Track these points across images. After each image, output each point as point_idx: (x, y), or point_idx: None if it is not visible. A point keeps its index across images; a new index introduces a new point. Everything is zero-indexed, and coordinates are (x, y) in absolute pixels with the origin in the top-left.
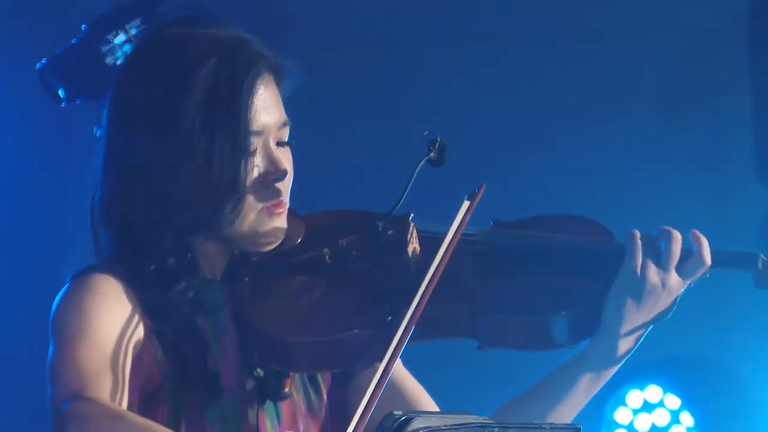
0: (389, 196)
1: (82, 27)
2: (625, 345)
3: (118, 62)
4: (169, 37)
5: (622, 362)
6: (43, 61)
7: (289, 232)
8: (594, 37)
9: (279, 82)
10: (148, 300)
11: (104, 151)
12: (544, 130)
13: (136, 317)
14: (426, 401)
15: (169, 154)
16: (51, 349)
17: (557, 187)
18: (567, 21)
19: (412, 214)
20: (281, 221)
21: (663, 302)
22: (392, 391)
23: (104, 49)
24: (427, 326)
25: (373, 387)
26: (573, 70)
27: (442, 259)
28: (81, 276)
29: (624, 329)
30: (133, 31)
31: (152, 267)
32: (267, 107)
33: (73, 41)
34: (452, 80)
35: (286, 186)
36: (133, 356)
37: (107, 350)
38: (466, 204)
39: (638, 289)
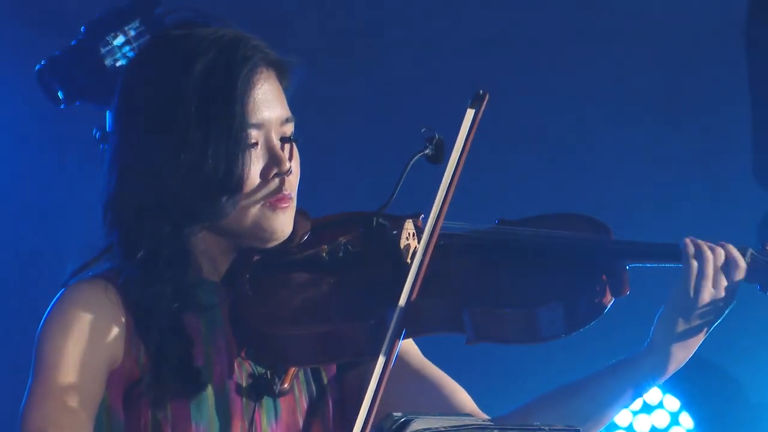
0: (403, 196)
1: (81, 29)
2: (677, 357)
3: (117, 64)
4: (170, 37)
5: (676, 369)
6: (42, 62)
7: (296, 231)
8: (592, 38)
9: (281, 78)
10: (134, 294)
11: (110, 150)
12: (543, 131)
13: (117, 330)
14: (453, 386)
15: (166, 146)
16: (30, 375)
17: (555, 188)
18: (565, 23)
19: (422, 215)
20: (285, 217)
21: (714, 314)
22: (424, 385)
23: (103, 50)
24: (413, 321)
25: (374, 387)
26: (570, 72)
27: (442, 205)
28: (70, 289)
29: (675, 346)
30: (131, 33)
31: (140, 255)
32: (267, 101)
33: (72, 43)
34: (451, 81)
35: (290, 182)
36: (108, 372)
37: (78, 386)
38: (470, 113)
39: (690, 309)
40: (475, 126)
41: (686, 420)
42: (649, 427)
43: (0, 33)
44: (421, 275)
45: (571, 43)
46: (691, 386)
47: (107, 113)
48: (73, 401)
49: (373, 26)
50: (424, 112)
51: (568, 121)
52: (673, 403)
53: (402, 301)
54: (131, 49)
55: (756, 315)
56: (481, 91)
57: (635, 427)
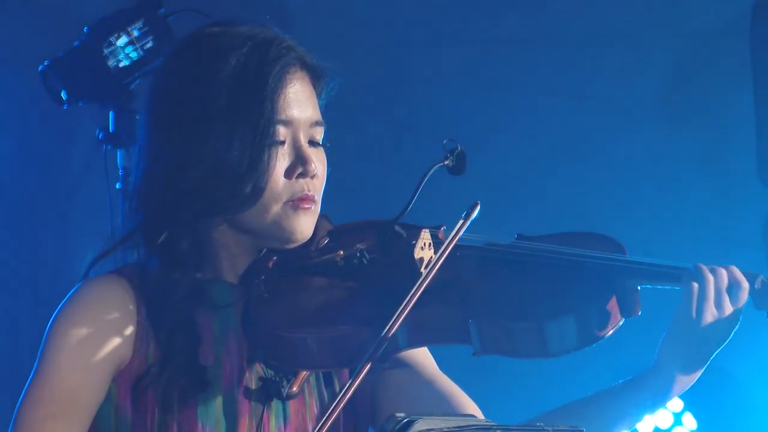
0: (427, 206)
1: (84, 29)
2: (681, 382)
3: (121, 64)
4: (207, 33)
5: (681, 392)
6: (46, 63)
7: (315, 235)
8: (596, 40)
9: (314, 81)
10: (150, 283)
11: (140, 138)
12: (546, 133)
13: (128, 328)
14: (463, 398)
15: (193, 135)
16: (33, 369)
17: (560, 190)
18: (570, 24)
19: (443, 227)
20: (306, 218)
21: (718, 337)
22: (427, 391)
23: (106, 51)
24: (419, 330)
25: (343, 391)
26: (575, 73)
27: (430, 270)
28: (83, 285)
29: (679, 371)
30: (134, 33)
31: (161, 240)
32: (297, 101)
33: (76, 43)
34: (452, 81)
35: (314, 184)
36: (116, 372)
37: (77, 392)
38: (459, 223)
39: (692, 331)
40: (461, 231)
41: (689, 420)
42: (652, 428)
43: (3, 33)
44: (412, 304)
45: (575, 46)
46: (694, 387)
47: (111, 114)
48: (68, 408)
49: (392, 31)
50: (446, 119)
51: (571, 123)
52: (676, 403)
53: (386, 329)
54: (134, 50)
55: (760, 316)
56: (478, 202)
57: (638, 428)
